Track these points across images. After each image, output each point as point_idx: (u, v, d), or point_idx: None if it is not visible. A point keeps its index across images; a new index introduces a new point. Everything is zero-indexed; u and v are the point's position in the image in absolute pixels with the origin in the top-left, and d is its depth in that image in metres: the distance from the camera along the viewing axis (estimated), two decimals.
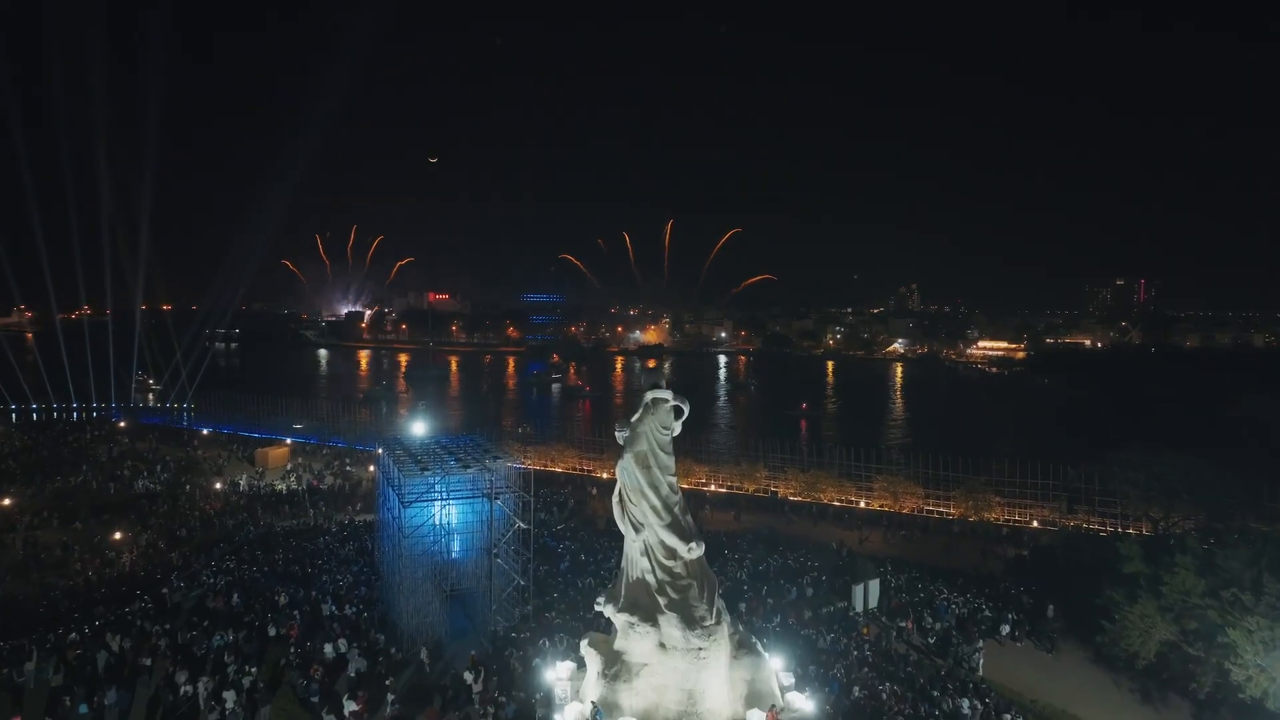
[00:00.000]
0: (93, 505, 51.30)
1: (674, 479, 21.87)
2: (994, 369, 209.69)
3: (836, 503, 55.27)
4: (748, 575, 33.52)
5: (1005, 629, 31.56)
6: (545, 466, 64.60)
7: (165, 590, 31.28)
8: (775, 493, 57.28)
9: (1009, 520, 50.99)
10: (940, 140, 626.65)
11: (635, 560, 21.74)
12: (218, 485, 55.12)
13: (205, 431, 74.96)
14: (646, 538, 21.42)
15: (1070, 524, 48.78)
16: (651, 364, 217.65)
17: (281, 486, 58.13)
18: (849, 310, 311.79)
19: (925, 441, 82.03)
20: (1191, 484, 38.34)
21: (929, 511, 53.49)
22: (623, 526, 22.07)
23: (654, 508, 21.38)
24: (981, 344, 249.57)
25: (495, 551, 28.09)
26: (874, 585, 32.83)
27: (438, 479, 27.91)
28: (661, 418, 21.64)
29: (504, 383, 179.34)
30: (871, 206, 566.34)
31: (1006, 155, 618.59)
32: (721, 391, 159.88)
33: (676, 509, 21.61)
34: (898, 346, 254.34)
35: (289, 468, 64.23)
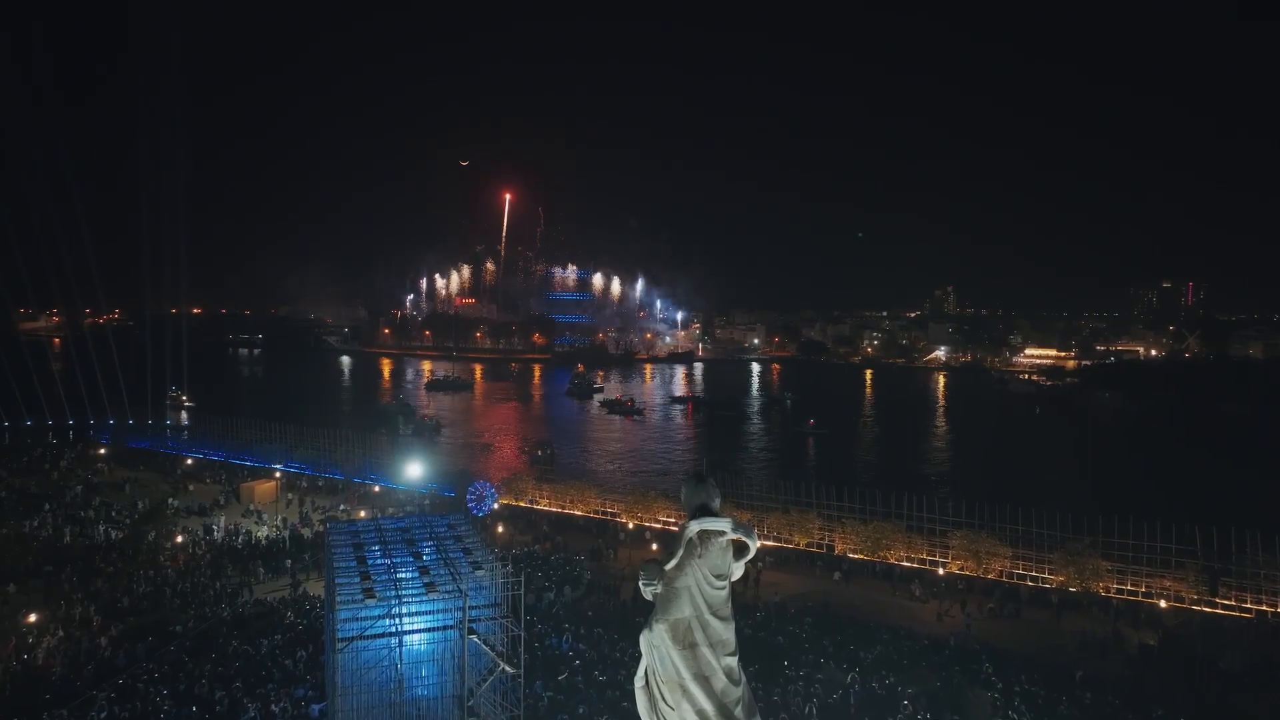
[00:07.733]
0: (36, 559, 44.17)
1: (733, 660, 13.37)
2: (1046, 380, 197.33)
3: (906, 563, 46.51)
4: (818, 710, 24.95)
5: None
6: (563, 508, 56.48)
7: None
8: (832, 548, 48.64)
9: (1126, 593, 41.87)
10: (962, 130, 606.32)
11: None
12: (179, 539, 47.70)
13: (190, 460, 67.98)
14: None
15: (1205, 604, 39.73)
16: (685, 376, 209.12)
17: (263, 532, 50.83)
18: (884, 314, 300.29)
19: (997, 477, 72.44)
20: None
21: (1019, 578, 44.55)
22: None
23: (702, 713, 12.98)
24: (1028, 351, 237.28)
25: (471, 702, 19.88)
26: None
27: (392, 604, 19.64)
28: (713, 560, 12.81)
29: (530, 392, 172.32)
30: (899, 200, 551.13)
31: (1039, 149, 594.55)
32: (755, 405, 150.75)
33: (739, 712, 13.19)
34: (939, 354, 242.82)
35: (280, 504, 57.11)
